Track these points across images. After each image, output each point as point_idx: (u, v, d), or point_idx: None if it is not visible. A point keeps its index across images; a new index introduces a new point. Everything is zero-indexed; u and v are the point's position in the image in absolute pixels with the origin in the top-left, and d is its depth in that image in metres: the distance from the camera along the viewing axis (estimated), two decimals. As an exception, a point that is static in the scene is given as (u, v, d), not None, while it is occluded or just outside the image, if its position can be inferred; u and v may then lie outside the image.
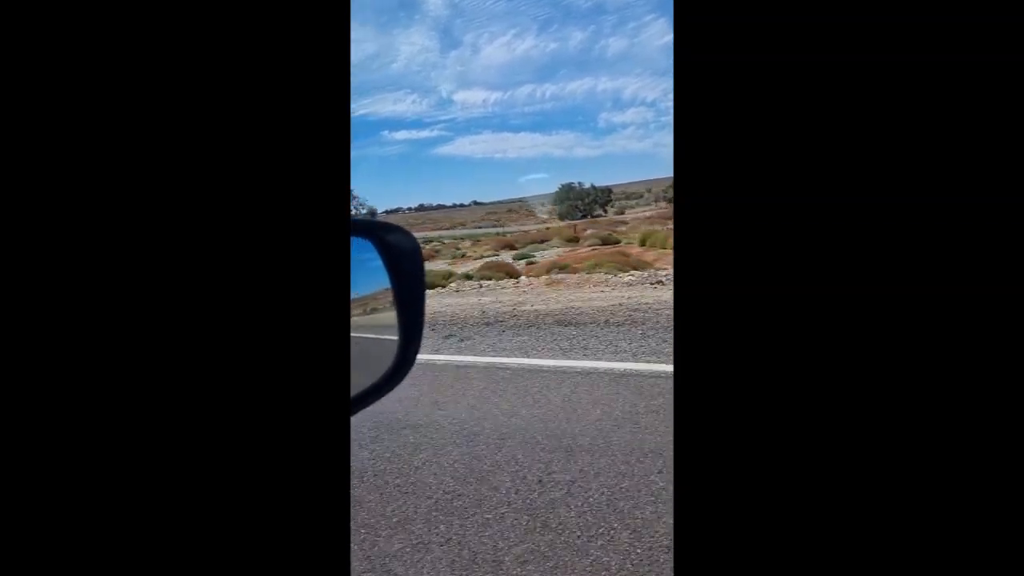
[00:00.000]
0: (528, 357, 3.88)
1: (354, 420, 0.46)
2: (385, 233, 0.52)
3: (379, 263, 0.51)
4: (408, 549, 1.76)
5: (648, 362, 3.45)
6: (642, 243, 15.48)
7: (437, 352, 4.18)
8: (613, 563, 1.60)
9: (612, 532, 1.75)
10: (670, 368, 3.18)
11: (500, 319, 5.13)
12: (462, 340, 4.55)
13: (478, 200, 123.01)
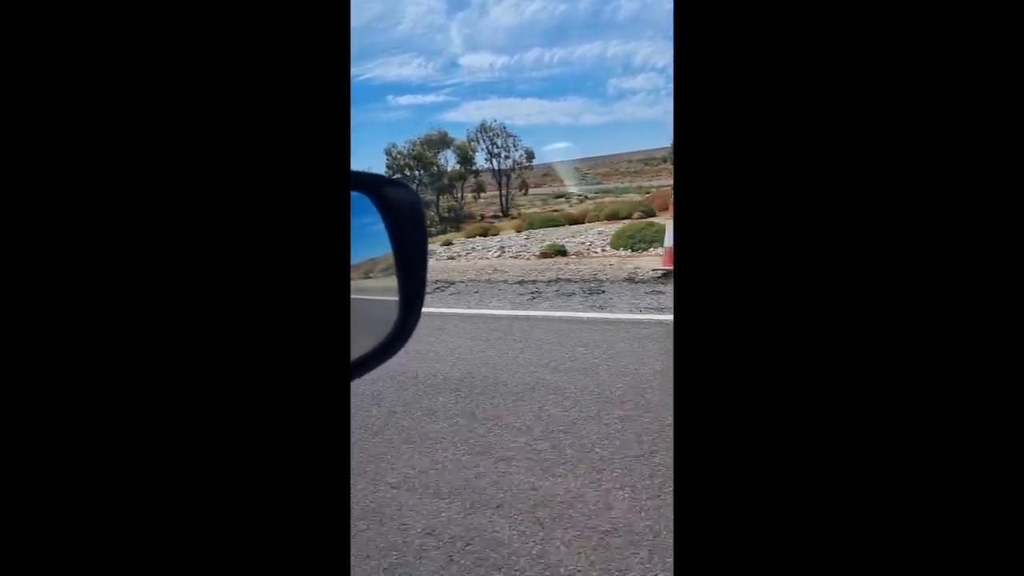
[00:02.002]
0: None
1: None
2: (385, 188, 0.49)
3: (380, 226, 0.49)
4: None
5: None
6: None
7: None
8: None
9: None
10: None
11: None
12: None
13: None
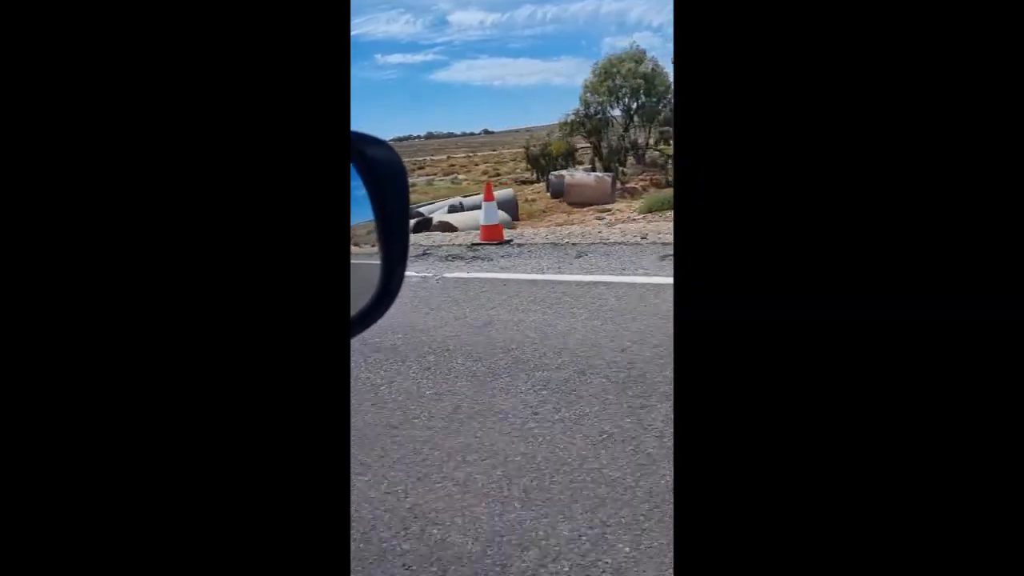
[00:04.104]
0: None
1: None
2: (365, 146, 0.47)
3: (362, 191, 0.47)
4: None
5: None
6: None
7: None
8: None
9: None
10: None
11: None
12: None
13: (489, 128, 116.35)
